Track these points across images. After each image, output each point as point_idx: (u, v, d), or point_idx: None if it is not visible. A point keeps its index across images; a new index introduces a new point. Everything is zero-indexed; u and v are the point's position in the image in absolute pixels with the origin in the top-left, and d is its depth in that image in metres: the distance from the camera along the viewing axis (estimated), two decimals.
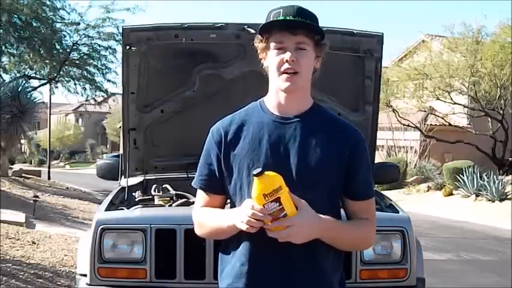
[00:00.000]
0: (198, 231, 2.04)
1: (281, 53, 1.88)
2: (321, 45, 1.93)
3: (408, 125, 22.87)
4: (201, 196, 2.04)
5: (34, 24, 18.62)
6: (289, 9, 1.87)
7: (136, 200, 4.08)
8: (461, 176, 17.38)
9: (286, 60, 1.86)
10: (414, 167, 22.33)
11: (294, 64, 1.87)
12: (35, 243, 7.31)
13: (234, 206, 1.94)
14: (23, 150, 47.54)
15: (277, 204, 1.77)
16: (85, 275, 3.39)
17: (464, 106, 22.02)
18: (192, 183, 2.04)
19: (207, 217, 1.98)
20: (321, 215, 1.84)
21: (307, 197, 1.84)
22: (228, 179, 1.95)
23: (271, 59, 1.90)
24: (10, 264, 5.79)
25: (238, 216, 1.82)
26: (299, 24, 1.86)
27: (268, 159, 1.88)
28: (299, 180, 1.87)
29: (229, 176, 1.94)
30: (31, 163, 45.64)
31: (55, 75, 20.26)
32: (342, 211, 2.02)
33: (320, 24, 1.94)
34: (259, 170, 1.78)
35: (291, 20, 1.86)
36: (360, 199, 1.96)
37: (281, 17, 1.87)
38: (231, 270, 1.94)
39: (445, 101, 21.53)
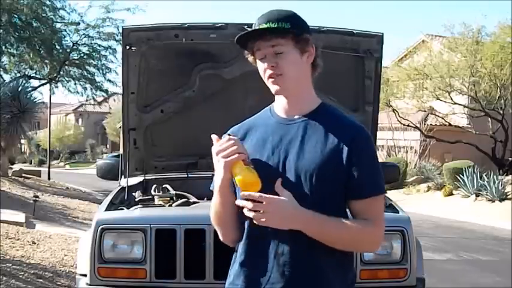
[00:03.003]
0: (213, 222, 2.04)
1: (264, 61, 1.93)
2: (301, 40, 1.92)
3: (408, 125, 22.88)
4: None
5: (34, 24, 18.60)
6: (262, 17, 1.92)
7: (136, 200, 4.09)
8: (461, 176, 17.40)
9: (267, 68, 1.91)
10: (414, 167, 22.35)
11: (275, 69, 1.91)
12: (35, 243, 7.32)
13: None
14: (23, 150, 47.49)
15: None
16: (85, 275, 3.39)
17: (464, 106, 22.03)
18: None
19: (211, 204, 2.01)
20: (304, 208, 1.83)
21: (307, 193, 1.85)
22: None
23: (259, 69, 1.96)
24: (10, 264, 5.79)
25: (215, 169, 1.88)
26: (264, 32, 1.88)
27: (269, 159, 1.92)
28: (299, 177, 1.88)
29: None
30: (31, 163, 45.68)
31: (55, 75, 20.27)
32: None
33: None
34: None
35: (254, 29, 1.89)
36: (361, 197, 1.90)
37: (256, 27, 1.90)
38: (233, 269, 1.97)
39: (445, 101, 21.54)
